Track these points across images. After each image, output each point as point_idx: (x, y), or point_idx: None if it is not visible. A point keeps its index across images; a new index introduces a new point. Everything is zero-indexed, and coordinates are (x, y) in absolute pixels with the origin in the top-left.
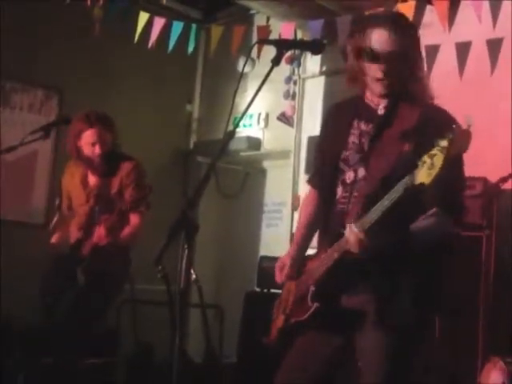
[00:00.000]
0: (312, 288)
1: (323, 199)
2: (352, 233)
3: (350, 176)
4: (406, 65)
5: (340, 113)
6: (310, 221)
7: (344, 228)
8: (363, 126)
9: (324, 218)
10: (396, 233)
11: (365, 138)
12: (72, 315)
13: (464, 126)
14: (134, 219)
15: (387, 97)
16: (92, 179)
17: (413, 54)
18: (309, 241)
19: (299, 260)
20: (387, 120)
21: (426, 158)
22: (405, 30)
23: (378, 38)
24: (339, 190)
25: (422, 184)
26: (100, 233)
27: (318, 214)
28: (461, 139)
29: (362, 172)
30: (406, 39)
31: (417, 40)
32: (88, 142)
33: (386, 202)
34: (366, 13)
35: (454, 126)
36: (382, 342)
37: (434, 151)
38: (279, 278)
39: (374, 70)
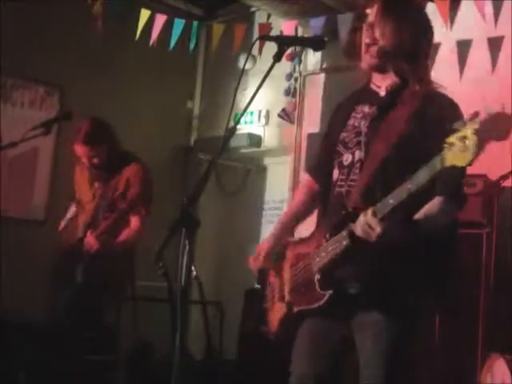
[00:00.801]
0: (318, 275)
1: (321, 184)
2: (367, 220)
3: (347, 158)
4: (401, 40)
5: (346, 102)
6: (300, 208)
7: (343, 210)
8: (366, 109)
9: (322, 202)
10: (403, 220)
11: (365, 120)
12: (69, 312)
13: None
14: (134, 222)
15: (376, 70)
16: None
17: (410, 31)
18: (293, 226)
19: (279, 241)
20: (389, 102)
21: (454, 139)
22: (394, 6)
23: (374, 9)
24: (335, 173)
25: (453, 166)
26: (89, 240)
27: (309, 202)
28: (494, 122)
29: (359, 154)
30: (402, 14)
31: (417, 19)
32: (79, 154)
33: (408, 185)
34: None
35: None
36: (384, 328)
37: (464, 133)
38: (254, 264)
39: (364, 40)
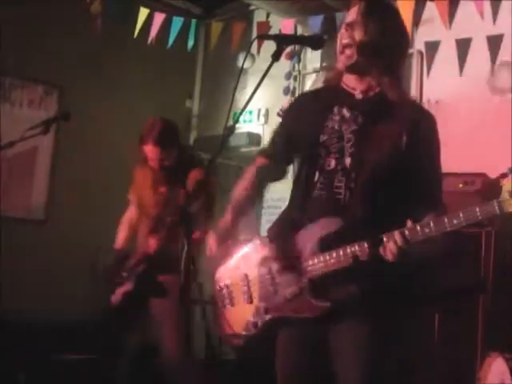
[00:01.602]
0: (305, 285)
1: (276, 171)
2: (400, 245)
3: (329, 163)
4: (382, 41)
5: (316, 99)
6: (250, 192)
7: (322, 215)
8: (345, 113)
9: (299, 202)
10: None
11: (347, 125)
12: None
13: None
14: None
15: (353, 70)
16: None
17: (391, 32)
18: (248, 207)
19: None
20: (373, 108)
21: None
22: (377, 8)
23: (350, 11)
24: (316, 175)
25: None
26: (151, 243)
27: (261, 186)
28: None
29: (346, 161)
30: (385, 15)
31: (397, 23)
32: (149, 155)
33: (454, 220)
34: None
35: None
36: (364, 336)
37: None
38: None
39: (341, 40)
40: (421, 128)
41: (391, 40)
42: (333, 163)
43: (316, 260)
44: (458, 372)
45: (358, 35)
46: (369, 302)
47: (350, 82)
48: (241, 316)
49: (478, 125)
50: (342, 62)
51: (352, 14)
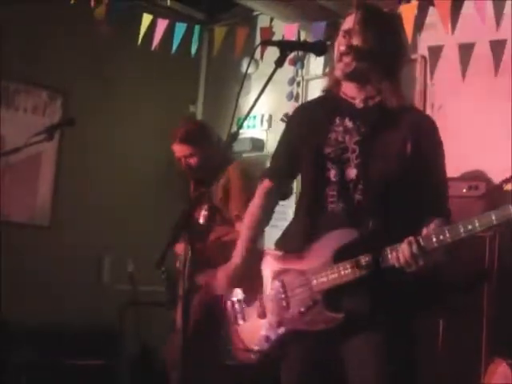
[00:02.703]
0: (319, 297)
1: (280, 186)
2: (414, 252)
3: (335, 174)
4: (382, 48)
5: (316, 109)
6: (263, 211)
7: (336, 227)
8: (348, 123)
9: (310, 216)
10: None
11: (350, 135)
12: None
13: None
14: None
15: (352, 78)
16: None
17: (390, 40)
18: (259, 236)
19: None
20: (375, 118)
21: None
22: (374, 16)
23: (347, 19)
24: (324, 188)
25: None
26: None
27: (271, 207)
28: None
29: (352, 172)
30: (384, 22)
31: (396, 31)
32: (178, 155)
33: (469, 226)
34: None
35: None
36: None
37: None
38: (224, 288)
39: (338, 47)
40: (423, 133)
41: (389, 46)
42: (339, 175)
43: (329, 272)
44: (463, 377)
45: (356, 42)
46: (381, 313)
47: (350, 91)
48: (253, 331)
49: (480, 130)
50: (340, 69)
51: (349, 22)
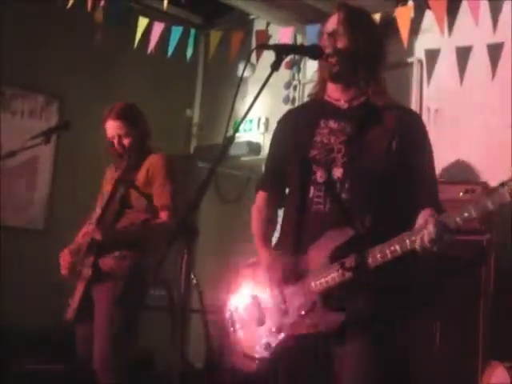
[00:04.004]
0: (318, 299)
1: (277, 197)
2: (439, 231)
3: (321, 175)
4: (365, 48)
5: (301, 114)
6: (266, 225)
7: (325, 228)
8: (332, 124)
9: (296, 218)
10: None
11: (335, 136)
12: None
13: None
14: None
15: (338, 79)
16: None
17: (373, 40)
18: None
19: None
20: (358, 117)
21: None
22: (356, 16)
23: (330, 20)
24: (311, 190)
25: None
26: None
27: (273, 217)
28: None
29: (338, 172)
30: (366, 23)
31: (377, 31)
32: (109, 132)
33: (485, 204)
34: None
35: None
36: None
37: None
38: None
39: (325, 50)
40: (410, 129)
41: (373, 46)
42: (325, 175)
43: (326, 273)
44: (460, 380)
45: (341, 43)
46: (377, 314)
47: (335, 93)
48: (253, 338)
49: (477, 133)
50: (326, 70)
51: (332, 23)
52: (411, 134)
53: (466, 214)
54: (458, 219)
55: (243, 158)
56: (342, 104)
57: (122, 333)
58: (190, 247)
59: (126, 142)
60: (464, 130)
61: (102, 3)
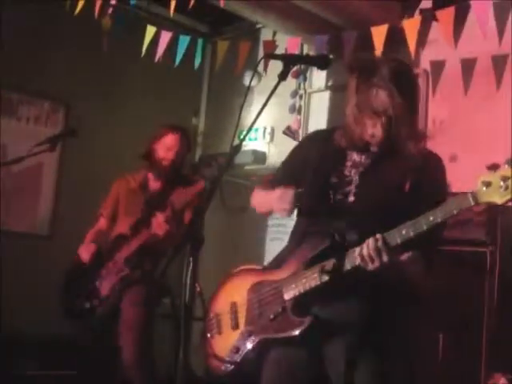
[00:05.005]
0: (288, 304)
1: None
2: (378, 246)
3: (335, 202)
4: (405, 122)
5: (329, 140)
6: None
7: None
8: (356, 158)
9: (299, 235)
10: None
11: (355, 168)
12: None
13: None
14: None
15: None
16: (154, 184)
17: (413, 110)
18: None
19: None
20: (383, 155)
21: (491, 178)
22: (407, 88)
23: (381, 99)
24: (324, 214)
25: (488, 203)
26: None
27: None
28: None
29: (351, 200)
30: (408, 97)
31: (417, 95)
32: (169, 143)
33: (430, 217)
34: (366, 57)
35: None
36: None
37: (505, 173)
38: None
39: (371, 125)
40: (426, 174)
41: (415, 102)
42: (339, 204)
43: (298, 278)
44: None
45: (391, 113)
46: (353, 318)
47: (368, 134)
48: (226, 343)
49: (481, 144)
50: (374, 131)
51: (381, 102)
52: (427, 178)
53: (431, 218)
54: (398, 239)
55: (248, 167)
56: (373, 147)
57: (151, 332)
58: (195, 255)
59: (177, 157)
60: (469, 141)
61: (110, 10)
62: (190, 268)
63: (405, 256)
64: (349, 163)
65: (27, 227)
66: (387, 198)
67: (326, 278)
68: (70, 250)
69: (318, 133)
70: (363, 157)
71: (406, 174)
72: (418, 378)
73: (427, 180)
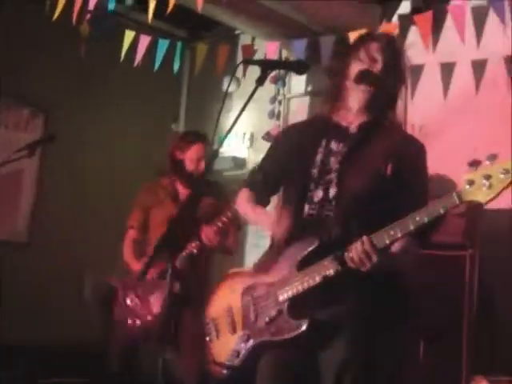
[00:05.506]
0: (286, 304)
1: (291, 212)
2: (365, 248)
3: (317, 194)
4: (393, 85)
5: (304, 132)
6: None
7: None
8: (333, 145)
9: (288, 233)
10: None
11: (334, 156)
12: None
13: None
14: None
15: (365, 111)
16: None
17: (400, 75)
18: None
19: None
20: (362, 140)
21: (475, 177)
22: (396, 52)
23: (371, 46)
24: (306, 207)
25: (472, 202)
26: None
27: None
28: None
29: (333, 191)
30: (397, 60)
31: (402, 63)
32: (196, 154)
33: (417, 217)
34: (355, 34)
35: None
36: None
37: (488, 172)
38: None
39: (362, 87)
40: (409, 158)
41: (400, 77)
42: (320, 194)
43: (293, 280)
44: None
45: (378, 72)
46: (349, 318)
47: (347, 116)
48: (225, 347)
49: (460, 148)
50: (360, 95)
51: (373, 50)
52: (409, 162)
53: (417, 218)
54: (386, 240)
55: (228, 173)
56: (352, 128)
57: None
58: (173, 261)
59: (202, 166)
60: (448, 146)
61: (88, 16)
62: (169, 273)
63: (396, 247)
64: (324, 150)
65: (6, 234)
66: (370, 184)
67: (324, 276)
68: (49, 258)
69: (293, 126)
70: (341, 144)
71: (387, 159)
72: (399, 383)
73: (409, 167)
